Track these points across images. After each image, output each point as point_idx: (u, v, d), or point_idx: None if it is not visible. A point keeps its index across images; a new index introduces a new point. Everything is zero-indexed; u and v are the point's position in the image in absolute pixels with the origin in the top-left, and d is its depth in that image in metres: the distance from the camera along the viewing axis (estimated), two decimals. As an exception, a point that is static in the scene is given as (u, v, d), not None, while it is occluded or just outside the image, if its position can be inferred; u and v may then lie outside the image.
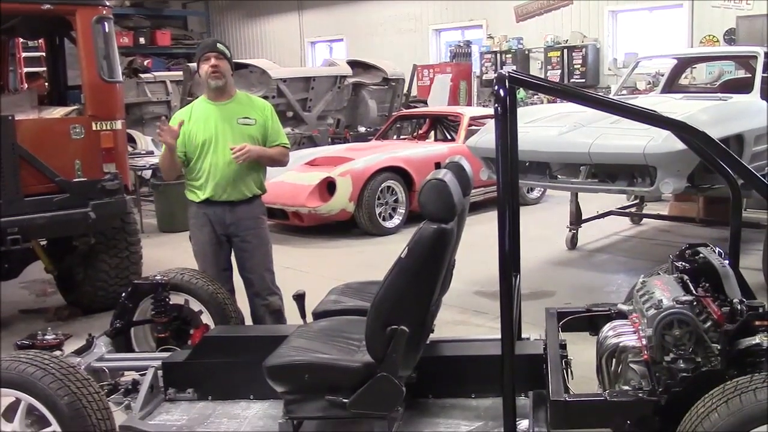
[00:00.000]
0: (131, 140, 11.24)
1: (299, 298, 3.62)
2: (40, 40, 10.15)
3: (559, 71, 14.49)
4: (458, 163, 3.22)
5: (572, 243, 7.57)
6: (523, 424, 2.94)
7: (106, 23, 5.57)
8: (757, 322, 2.73)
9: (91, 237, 5.77)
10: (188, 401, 3.53)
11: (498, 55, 15.56)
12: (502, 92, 2.61)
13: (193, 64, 11.07)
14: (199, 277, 4.12)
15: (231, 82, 4.47)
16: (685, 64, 8.91)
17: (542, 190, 10.11)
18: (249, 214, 4.48)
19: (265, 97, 8.20)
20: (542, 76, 13.83)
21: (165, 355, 3.74)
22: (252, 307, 4.60)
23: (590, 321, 3.51)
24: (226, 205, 4.42)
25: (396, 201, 8.78)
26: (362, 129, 12.03)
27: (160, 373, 3.55)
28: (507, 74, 2.68)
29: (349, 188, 8.31)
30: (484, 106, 14.52)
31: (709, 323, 2.84)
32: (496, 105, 2.63)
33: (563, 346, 3.27)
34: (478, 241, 5.46)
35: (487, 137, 6.23)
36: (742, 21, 12.05)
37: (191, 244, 4.58)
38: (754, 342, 2.69)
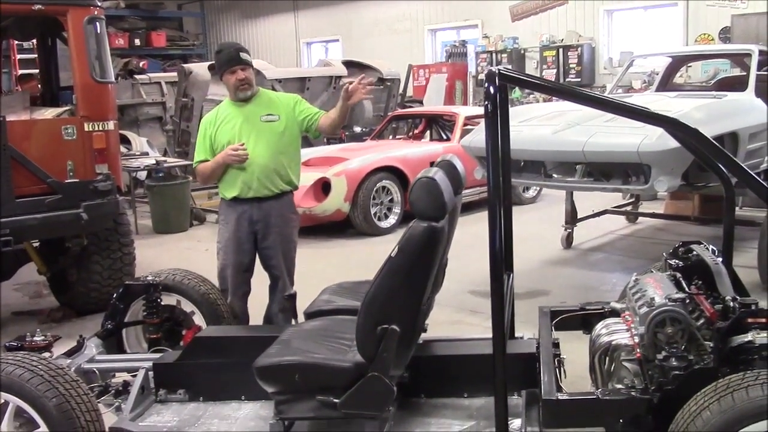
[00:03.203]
0: (126, 141, 11.23)
1: (291, 298, 3.62)
2: (34, 42, 10.11)
3: (555, 71, 14.50)
4: (449, 162, 3.20)
5: (568, 242, 7.56)
6: (516, 423, 2.91)
7: (97, 23, 5.54)
8: (749, 320, 2.72)
9: (83, 238, 5.75)
10: (179, 402, 3.51)
11: (493, 54, 15.55)
12: (492, 89, 2.59)
13: (188, 66, 11.19)
14: (191, 278, 4.11)
15: (254, 83, 4.49)
16: (680, 62, 8.89)
17: (538, 189, 10.11)
18: (277, 211, 4.46)
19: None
20: (538, 76, 13.83)
21: (156, 356, 3.72)
22: (269, 305, 4.60)
23: (583, 319, 3.49)
24: (254, 201, 4.41)
25: (391, 201, 8.76)
26: (357, 129, 11.99)
27: (151, 374, 3.53)
28: (497, 71, 2.65)
29: (344, 188, 8.29)
30: (479, 105, 14.53)
31: (701, 321, 2.82)
32: (486, 102, 2.61)
33: (556, 345, 3.26)
34: (473, 240, 5.44)
35: (480, 136, 6.20)
36: (737, 19, 12.06)
37: (216, 242, 4.58)
38: (746, 339, 2.69)
